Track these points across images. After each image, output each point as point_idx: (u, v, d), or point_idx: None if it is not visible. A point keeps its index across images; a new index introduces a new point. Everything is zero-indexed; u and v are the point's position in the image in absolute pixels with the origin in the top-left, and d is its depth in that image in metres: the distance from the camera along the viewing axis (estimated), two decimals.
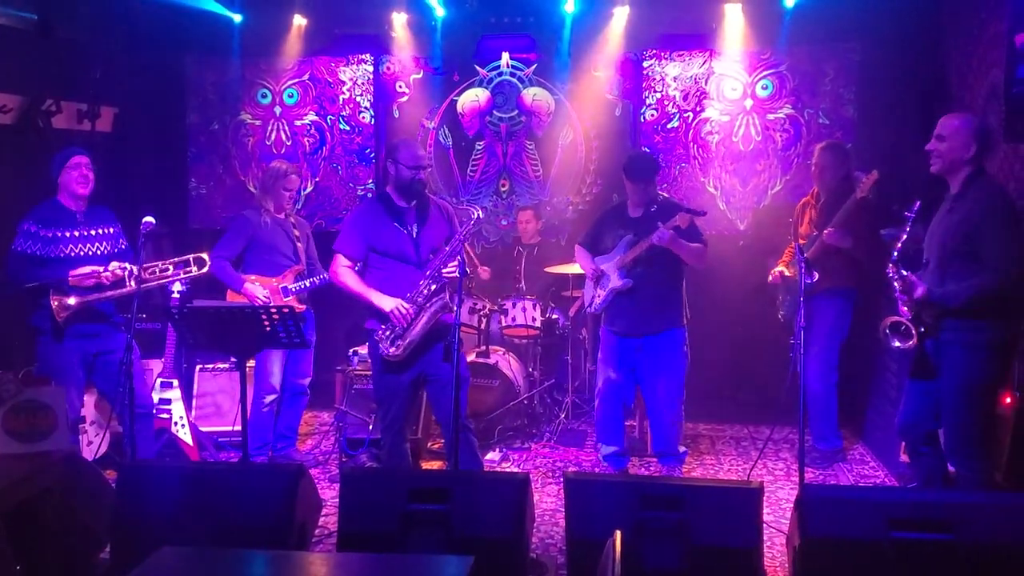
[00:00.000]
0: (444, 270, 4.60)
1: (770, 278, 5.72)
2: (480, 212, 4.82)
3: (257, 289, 5.43)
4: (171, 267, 5.21)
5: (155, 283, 5.20)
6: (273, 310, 4.28)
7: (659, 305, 5.22)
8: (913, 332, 4.10)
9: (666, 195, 5.43)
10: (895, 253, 4.17)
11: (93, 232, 5.05)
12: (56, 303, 4.88)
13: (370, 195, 7.56)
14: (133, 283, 4.91)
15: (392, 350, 4.59)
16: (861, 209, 5.22)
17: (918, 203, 4.23)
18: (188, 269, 5.25)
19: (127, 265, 4.97)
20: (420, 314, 4.58)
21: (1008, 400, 4.44)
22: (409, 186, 4.65)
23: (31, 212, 4.96)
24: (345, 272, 4.69)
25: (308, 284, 5.57)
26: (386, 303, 4.56)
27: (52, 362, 4.97)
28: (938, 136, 4.10)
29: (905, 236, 4.20)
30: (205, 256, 5.25)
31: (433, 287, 4.60)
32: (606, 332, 5.42)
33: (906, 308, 4.14)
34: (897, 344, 4.15)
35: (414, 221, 4.69)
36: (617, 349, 5.35)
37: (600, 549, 2.63)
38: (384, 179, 4.77)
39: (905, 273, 4.13)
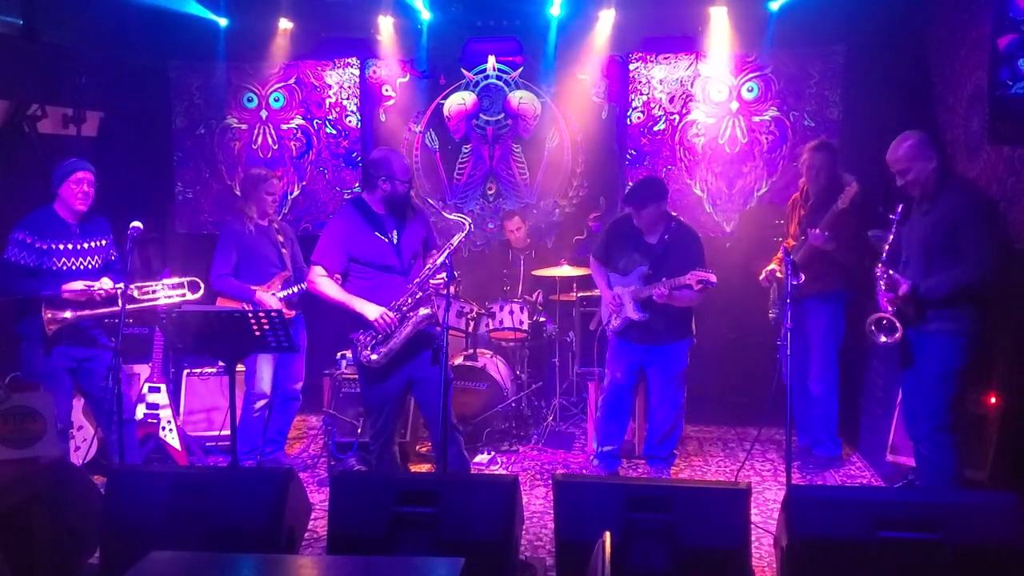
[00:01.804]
0: (432, 281, 4.59)
1: (761, 277, 5.74)
2: (470, 223, 4.83)
3: (270, 298, 5.40)
4: (163, 288, 5.17)
5: (146, 304, 5.13)
6: (262, 314, 4.27)
7: (671, 324, 5.25)
8: (898, 326, 4.21)
9: (677, 215, 5.41)
10: (884, 255, 4.33)
11: (86, 245, 4.97)
12: (49, 316, 4.80)
13: (348, 195, 7.54)
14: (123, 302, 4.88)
15: (373, 357, 4.58)
16: (846, 216, 5.25)
17: (900, 206, 4.39)
18: (182, 292, 5.20)
19: (120, 285, 4.85)
20: (404, 323, 4.58)
21: (993, 400, 4.49)
22: (404, 198, 4.66)
23: (24, 220, 4.86)
24: (323, 281, 4.65)
25: (297, 290, 5.54)
26: (370, 311, 4.55)
27: (38, 369, 4.90)
28: (900, 171, 4.28)
29: (892, 237, 4.36)
30: (200, 281, 5.20)
31: (419, 295, 4.60)
32: (615, 337, 5.44)
33: (890, 305, 4.28)
34: (884, 339, 4.31)
35: (394, 227, 4.68)
36: (626, 352, 5.38)
37: (589, 550, 2.65)
38: (370, 192, 4.71)
39: (892, 272, 4.29)
